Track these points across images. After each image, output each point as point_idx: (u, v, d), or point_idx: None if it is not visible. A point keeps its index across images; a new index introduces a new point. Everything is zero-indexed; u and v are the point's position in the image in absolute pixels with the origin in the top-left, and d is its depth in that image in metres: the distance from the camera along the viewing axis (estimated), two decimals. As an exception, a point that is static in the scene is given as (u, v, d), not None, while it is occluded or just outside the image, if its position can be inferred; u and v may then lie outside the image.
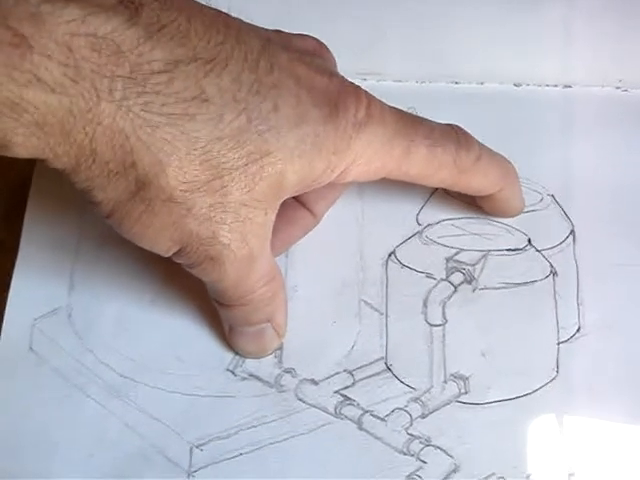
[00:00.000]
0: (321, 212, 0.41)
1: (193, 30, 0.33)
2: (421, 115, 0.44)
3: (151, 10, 0.32)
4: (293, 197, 0.39)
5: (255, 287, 0.37)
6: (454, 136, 0.39)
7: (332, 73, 0.37)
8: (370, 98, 0.37)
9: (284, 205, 0.38)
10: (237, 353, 0.39)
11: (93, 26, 0.30)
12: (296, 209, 0.41)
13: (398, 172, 0.38)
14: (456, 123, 0.44)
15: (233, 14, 0.46)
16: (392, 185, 0.42)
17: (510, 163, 0.41)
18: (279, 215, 0.38)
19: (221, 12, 0.35)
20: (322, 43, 0.40)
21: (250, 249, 0.35)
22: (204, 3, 0.35)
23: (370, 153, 0.37)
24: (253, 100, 0.33)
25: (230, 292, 0.37)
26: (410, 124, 0.38)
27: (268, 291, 0.37)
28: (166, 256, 0.35)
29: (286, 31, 0.38)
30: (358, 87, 0.37)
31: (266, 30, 0.37)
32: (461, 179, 0.40)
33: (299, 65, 0.36)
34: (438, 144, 0.38)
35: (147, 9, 0.32)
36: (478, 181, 0.40)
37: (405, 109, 0.39)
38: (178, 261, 0.35)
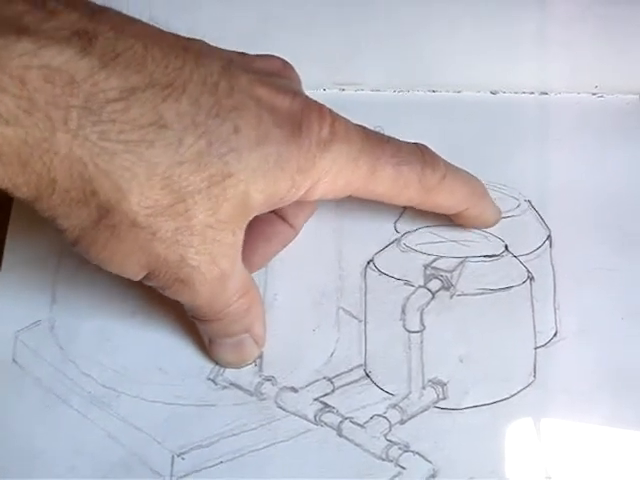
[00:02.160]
0: (300, 224, 0.41)
1: (150, 56, 0.33)
2: (400, 124, 0.45)
3: (106, 39, 0.32)
4: (271, 211, 0.39)
5: (230, 302, 0.37)
6: (420, 155, 0.39)
7: (295, 93, 0.37)
8: (335, 116, 0.37)
9: (262, 219, 0.38)
10: (217, 363, 0.40)
11: (46, 58, 0.30)
12: (275, 223, 0.41)
13: (365, 190, 0.38)
14: (434, 131, 0.45)
15: (210, 27, 0.46)
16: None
17: (477, 180, 0.41)
18: (258, 230, 0.39)
19: (180, 37, 0.35)
20: (287, 63, 0.39)
21: (220, 270, 0.35)
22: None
23: (335, 171, 0.37)
24: (213, 123, 0.33)
25: (205, 309, 0.37)
26: (376, 143, 0.38)
27: (243, 304, 0.38)
28: (136, 280, 0.35)
29: (251, 52, 0.38)
30: (322, 106, 0.37)
31: (229, 52, 0.37)
32: (428, 198, 0.40)
33: (260, 86, 0.35)
34: (404, 163, 0.38)
35: (102, 38, 0.32)
36: (444, 199, 0.40)
37: (372, 127, 0.39)
38: (149, 284, 0.36)
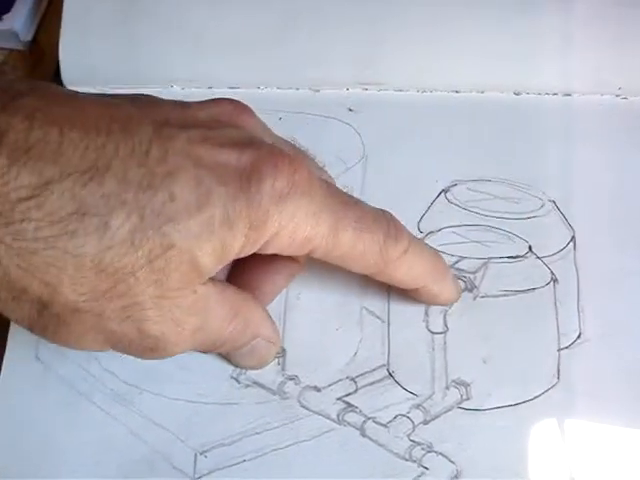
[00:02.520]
0: (303, 258, 0.39)
1: (67, 141, 0.31)
2: (423, 125, 0.45)
3: (17, 133, 0.30)
4: None
5: (220, 333, 0.36)
6: (384, 224, 0.37)
7: (246, 144, 0.34)
8: (297, 168, 0.34)
9: (264, 257, 0.36)
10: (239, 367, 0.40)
11: None
12: (277, 259, 0.38)
13: (325, 250, 0.36)
14: (457, 132, 0.45)
15: (233, 25, 0.46)
16: (394, 193, 0.43)
17: (440, 258, 0.39)
18: (263, 268, 0.38)
19: (111, 103, 0.33)
20: (242, 106, 0.36)
21: (191, 327, 0.34)
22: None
23: (294, 225, 0.34)
24: (144, 197, 0.31)
25: (197, 350, 0.37)
26: (340, 202, 0.36)
27: (238, 324, 0.36)
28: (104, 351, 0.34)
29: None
30: (282, 156, 0.34)
31: (167, 107, 0.35)
32: (385, 270, 0.37)
33: (200, 144, 0.33)
34: (366, 230, 0.36)
35: (12, 133, 0.30)
36: (403, 274, 0.38)
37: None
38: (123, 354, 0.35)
